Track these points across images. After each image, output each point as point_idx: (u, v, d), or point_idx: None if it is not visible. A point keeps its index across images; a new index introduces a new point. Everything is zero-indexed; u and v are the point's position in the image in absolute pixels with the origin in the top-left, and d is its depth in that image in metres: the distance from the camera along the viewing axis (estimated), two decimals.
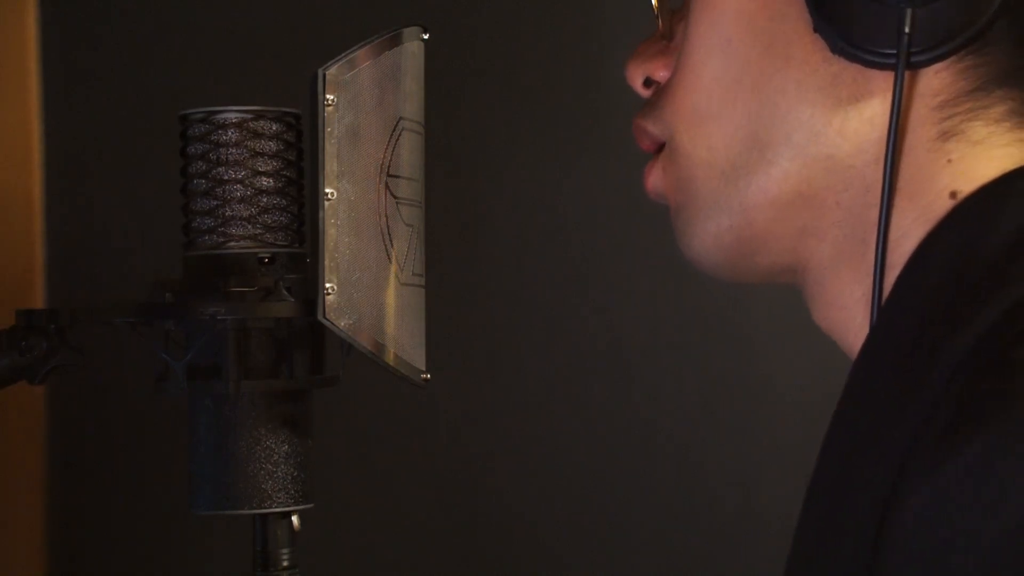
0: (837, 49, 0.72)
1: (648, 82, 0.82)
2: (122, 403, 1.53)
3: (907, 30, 0.69)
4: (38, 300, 1.52)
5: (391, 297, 0.89)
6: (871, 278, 0.73)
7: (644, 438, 1.59)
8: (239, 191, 0.90)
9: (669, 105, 0.78)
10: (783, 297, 1.53)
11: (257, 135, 0.90)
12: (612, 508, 1.59)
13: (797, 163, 0.74)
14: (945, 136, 0.72)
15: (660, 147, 0.81)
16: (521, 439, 1.59)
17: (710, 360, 1.59)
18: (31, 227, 1.54)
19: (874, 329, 0.72)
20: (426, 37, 0.92)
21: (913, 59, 0.70)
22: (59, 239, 1.55)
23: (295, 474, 0.91)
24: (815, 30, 0.72)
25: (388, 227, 0.89)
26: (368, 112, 0.88)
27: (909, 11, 0.69)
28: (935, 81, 0.72)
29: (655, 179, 0.81)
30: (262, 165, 0.91)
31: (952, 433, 0.60)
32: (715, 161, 0.76)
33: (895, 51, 0.70)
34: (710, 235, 0.78)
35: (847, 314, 0.76)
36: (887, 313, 0.72)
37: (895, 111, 0.71)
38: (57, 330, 0.91)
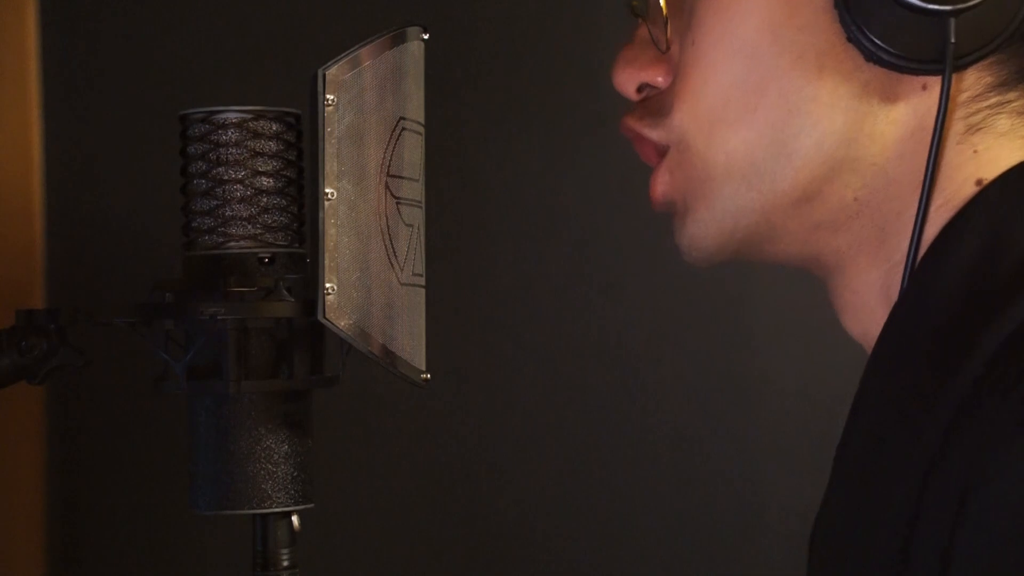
0: (873, 58, 0.73)
1: (641, 87, 0.83)
2: (122, 403, 1.53)
3: (952, 40, 0.71)
4: (38, 300, 1.52)
5: (391, 297, 0.89)
6: (890, 263, 0.76)
7: (645, 437, 1.59)
8: (239, 191, 0.90)
9: (679, 111, 0.79)
10: (784, 293, 1.53)
11: (257, 135, 0.90)
12: (612, 507, 1.59)
13: (825, 167, 0.76)
14: (971, 130, 0.74)
15: (660, 154, 0.82)
16: (521, 439, 1.59)
17: (711, 359, 1.59)
18: (31, 227, 1.54)
19: (896, 308, 0.74)
20: (426, 37, 0.92)
21: (956, 63, 0.72)
22: (59, 239, 1.55)
23: (295, 474, 0.91)
24: (848, 40, 0.73)
25: (388, 227, 0.89)
26: (368, 112, 0.88)
27: (953, 21, 0.70)
28: (961, 78, 0.74)
29: (663, 186, 0.82)
30: (262, 165, 0.91)
31: None
32: (734, 165, 0.77)
33: (935, 58, 0.71)
34: (724, 232, 0.79)
35: (859, 297, 0.78)
36: (911, 293, 0.74)
37: (940, 120, 0.73)
38: (57, 330, 0.91)
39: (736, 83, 0.76)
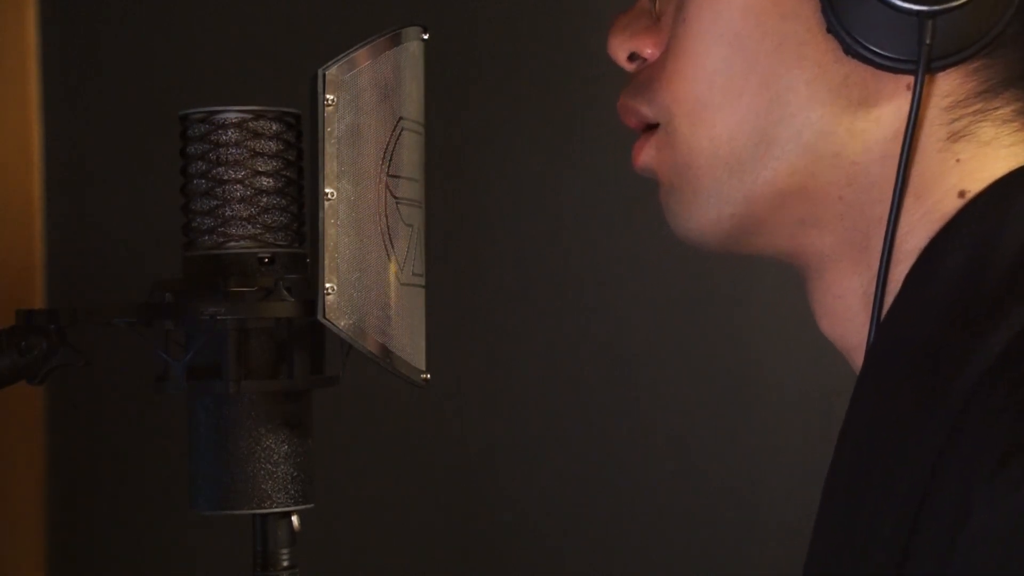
0: (851, 51, 0.72)
1: (633, 56, 0.82)
2: (122, 403, 1.53)
3: (928, 41, 0.69)
4: (38, 300, 1.52)
5: (391, 297, 0.89)
6: (872, 270, 0.74)
7: (644, 437, 1.59)
8: (239, 191, 0.90)
9: (666, 90, 0.78)
10: (783, 294, 1.53)
11: (257, 135, 0.90)
12: (612, 507, 1.59)
13: (804, 160, 0.75)
14: (954, 137, 0.73)
15: (647, 126, 0.81)
16: (521, 439, 1.59)
17: (710, 359, 1.59)
18: (31, 227, 1.54)
19: (884, 326, 0.72)
20: (426, 37, 0.92)
21: (931, 65, 0.71)
22: (59, 239, 1.55)
23: (295, 474, 0.91)
24: (828, 31, 0.72)
25: (388, 227, 0.89)
26: (368, 112, 0.88)
27: (930, 22, 0.69)
28: (944, 83, 0.73)
29: (647, 157, 0.81)
30: (262, 165, 0.91)
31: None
32: (718, 152, 0.76)
33: (911, 58, 0.70)
34: (709, 220, 0.78)
35: (843, 303, 0.77)
36: (898, 310, 0.72)
37: (911, 120, 0.71)
38: (57, 330, 0.91)
39: (720, 68, 0.76)
